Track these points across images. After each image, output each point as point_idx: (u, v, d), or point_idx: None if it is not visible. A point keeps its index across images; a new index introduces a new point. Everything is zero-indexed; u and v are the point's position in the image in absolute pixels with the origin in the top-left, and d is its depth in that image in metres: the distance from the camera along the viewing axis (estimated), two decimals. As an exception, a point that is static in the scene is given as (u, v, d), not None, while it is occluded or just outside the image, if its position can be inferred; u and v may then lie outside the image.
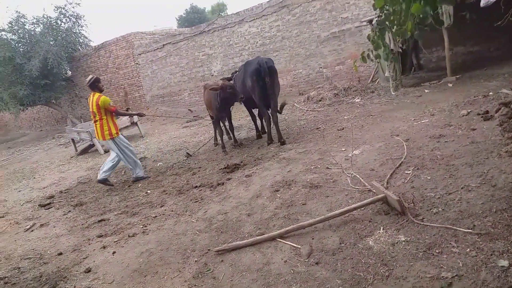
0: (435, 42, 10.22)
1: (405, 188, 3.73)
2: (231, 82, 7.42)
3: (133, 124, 11.48)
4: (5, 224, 5.84)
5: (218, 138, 7.57)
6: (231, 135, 7.68)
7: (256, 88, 6.70)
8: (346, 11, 11.21)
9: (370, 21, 9.67)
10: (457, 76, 8.65)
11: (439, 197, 3.33)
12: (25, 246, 4.67)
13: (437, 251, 2.61)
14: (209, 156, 7.20)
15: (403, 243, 2.81)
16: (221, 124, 7.57)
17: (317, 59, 12.18)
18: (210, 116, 8.08)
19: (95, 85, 6.39)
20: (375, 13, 7.75)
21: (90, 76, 6.49)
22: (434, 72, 10.17)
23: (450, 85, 8.24)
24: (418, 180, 3.83)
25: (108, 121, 6.38)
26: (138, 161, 6.77)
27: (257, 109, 7.67)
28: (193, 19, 35.57)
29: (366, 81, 10.78)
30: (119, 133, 6.58)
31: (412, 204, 3.31)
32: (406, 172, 4.11)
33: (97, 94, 6.35)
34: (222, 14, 34.17)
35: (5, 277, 3.84)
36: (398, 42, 8.57)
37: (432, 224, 2.92)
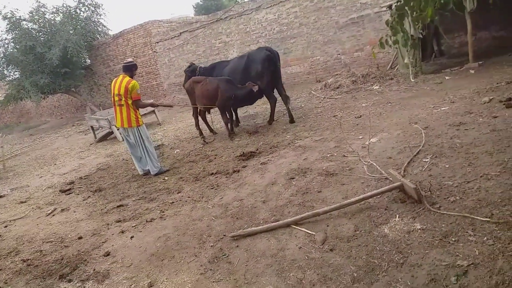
0: (458, 27, 9.93)
1: (422, 176, 3.69)
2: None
3: (151, 112, 11.60)
4: (28, 208, 6.03)
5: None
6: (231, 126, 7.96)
7: (267, 73, 7.40)
8: (365, -4, 10.96)
9: (390, 6, 9.44)
10: (479, 62, 8.41)
11: (457, 186, 3.28)
12: (47, 230, 4.81)
13: (453, 239, 2.59)
14: (225, 144, 7.23)
15: (419, 231, 2.79)
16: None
17: (335, 46, 12.00)
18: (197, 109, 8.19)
19: (132, 70, 6.08)
20: (395, -2, 7.56)
21: (131, 59, 6.20)
22: (456, 58, 9.91)
23: (472, 71, 8.02)
24: (436, 168, 3.77)
25: (135, 107, 6.12)
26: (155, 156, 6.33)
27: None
28: (209, 6, 35.38)
29: (385, 68, 10.58)
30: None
31: (429, 192, 3.27)
32: (424, 160, 4.05)
33: (127, 77, 6.00)
34: (239, 1, 33.93)
35: (28, 259, 3.99)
36: (418, 28, 8.35)
37: (449, 213, 2.89)
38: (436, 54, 10.81)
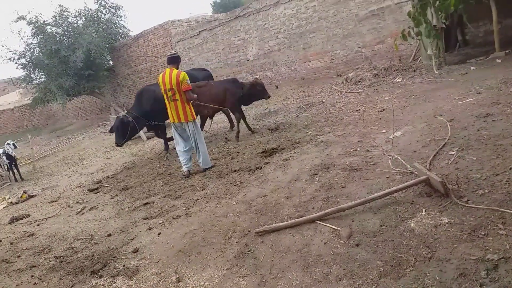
0: (482, 15, 9.63)
1: (448, 169, 3.62)
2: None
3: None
4: (58, 207, 6.23)
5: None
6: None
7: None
8: (385, -13, 10.76)
9: (411, -3, 9.25)
10: (506, 51, 8.15)
11: (485, 178, 3.21)
12: (77, 228, 4.97)
13: (482, 233, 2.54)
14: (246, 141, 7.27)
15: (447, 225, 2.75)
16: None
17: (355, 39, 11.85)
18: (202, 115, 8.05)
19: (178, 61, 5.85)
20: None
21: (174, 51, 5.96)
22: (481, 47, 9.62)
23: (499, 61, 7.79)
24: (463, 161, 3.70)
25: (188, 100, 5.84)
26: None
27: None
28: (227, 4, 35.44)
29: (407, 60, 10.38)
30: None
31: (456, 185, 3.21)
32: (450, 153, 3.98)
33: (175, 69, 5.71)
34: (257, -3, 33.77)
35: (61, 256, 4.13)
36: (441, 17, 8.16)
37: (478, 206, 2.83)
38: (460, 44, 10.53)
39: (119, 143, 7.82)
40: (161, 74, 5.83)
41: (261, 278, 2.79)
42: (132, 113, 7.86)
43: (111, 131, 8.14)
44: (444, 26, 8.47)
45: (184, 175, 6.01)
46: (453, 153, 3.94)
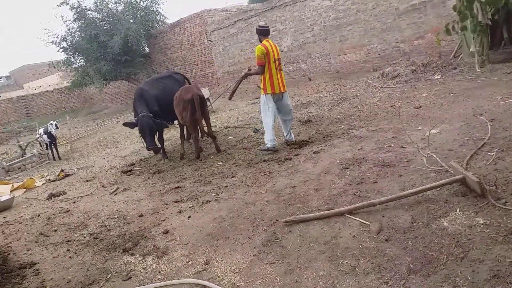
0: (532, 12, 9.15)
1: (486, 170, 3.50)
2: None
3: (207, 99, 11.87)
4: (93, 187, 6.48)
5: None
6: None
7: None
8: (429, -20, 10.39)
9: (456, -9, 8.88)
10: (555, 51, 7.72)
11: (526, 181, 3.09)
12: (111, 207, 5.16)
13: (520, 236, 2.45)
14: (276, 132, 7.25)
15: (482, 226, 2.67)
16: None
17: (394, 33, 11.54)
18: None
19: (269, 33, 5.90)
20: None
21: (264, 23, 5.98)
22: (528, 46, 9.17)
23: (547, 61, 7.41)
24: (503, 162, 3.56)
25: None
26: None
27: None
28: (264, -6, 35.21)
29: (447, 57, 10.02)
30: None
31: (494, 186, 3.10)
32: (489, 153, 3.84)
33: (270, 41, 5.82)
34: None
35: (95, 233, 4.31)
36: (488, 12, 7.80)
37: (516, 209, 2.73)
38: (506, 42, 10.05)
39: (153, 146, 6.72)
40: (267, 44, 5.72)
41: (287, 266, 2.82)
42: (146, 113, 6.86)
43: (126, 125, 7.16)
44: (489, 22, 8.09)
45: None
46: (492, 153, 3.80)
